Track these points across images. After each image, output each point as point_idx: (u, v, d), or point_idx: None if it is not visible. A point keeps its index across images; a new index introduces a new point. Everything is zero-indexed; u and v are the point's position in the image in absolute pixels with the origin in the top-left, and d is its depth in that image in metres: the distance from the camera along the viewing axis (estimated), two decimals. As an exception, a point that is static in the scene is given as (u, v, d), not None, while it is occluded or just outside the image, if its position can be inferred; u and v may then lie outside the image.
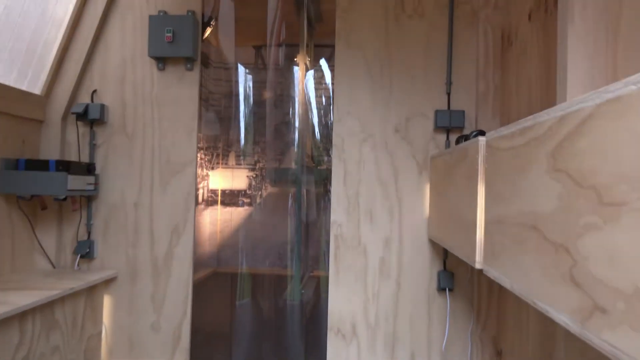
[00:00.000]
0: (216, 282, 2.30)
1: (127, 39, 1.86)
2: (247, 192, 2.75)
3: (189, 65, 1.82)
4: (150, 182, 1.83)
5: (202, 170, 2.72)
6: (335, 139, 1.78)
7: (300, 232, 2.11)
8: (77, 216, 1.83)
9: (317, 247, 2.16)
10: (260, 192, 2.91)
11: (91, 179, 1.77)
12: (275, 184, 2.71)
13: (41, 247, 1.79)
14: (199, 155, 2.70)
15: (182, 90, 1.83)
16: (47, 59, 1.80)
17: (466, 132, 1.71)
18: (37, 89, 1.80)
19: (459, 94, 1.73)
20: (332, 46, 1.84)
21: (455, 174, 1.24)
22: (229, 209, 2.66)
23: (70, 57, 1.83)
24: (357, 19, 1.77)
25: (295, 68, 2.15)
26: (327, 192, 2.07)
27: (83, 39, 1.83)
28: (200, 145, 2.28)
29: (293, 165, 2.65)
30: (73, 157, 1.84)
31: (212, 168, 2.70)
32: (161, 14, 1.82)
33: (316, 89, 2.07)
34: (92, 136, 1.84)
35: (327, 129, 2.01)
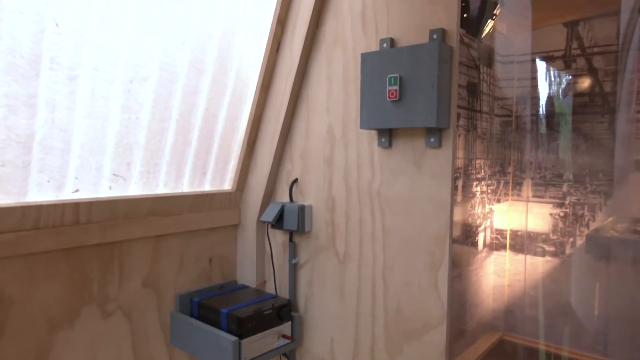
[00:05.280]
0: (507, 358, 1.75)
1: (334, 95, 1.10)
2: (551, 236, 2.00)
3: (432, 139, 0.92)
4: (371, 342, 1.06)
5: (483, 207, 1.99)
6: None
7: None
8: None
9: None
10: (572, 239, 2.01)
11: (285, 327, 1.13)
12: (601, 259, 1.83)
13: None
14: (479, 186, 1.88)
15: (422, 183, 0.95)
16: (232, 135, 1.24)
17: None
18: (227, 182, 1.27)
19: None
20: None
21: None
22: (521, 257, 2.00)
23: (265, 129, 1.22)
24: None
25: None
26: None
27: (278, 99, 1.18)
28: (482, 174, 1.64)
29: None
30: (274, 278, 1.26)
31: (498, 200, 2.10)
32: (385, 45, 0.97)
33: None
34: (292, 251, 1.20)
35: None
